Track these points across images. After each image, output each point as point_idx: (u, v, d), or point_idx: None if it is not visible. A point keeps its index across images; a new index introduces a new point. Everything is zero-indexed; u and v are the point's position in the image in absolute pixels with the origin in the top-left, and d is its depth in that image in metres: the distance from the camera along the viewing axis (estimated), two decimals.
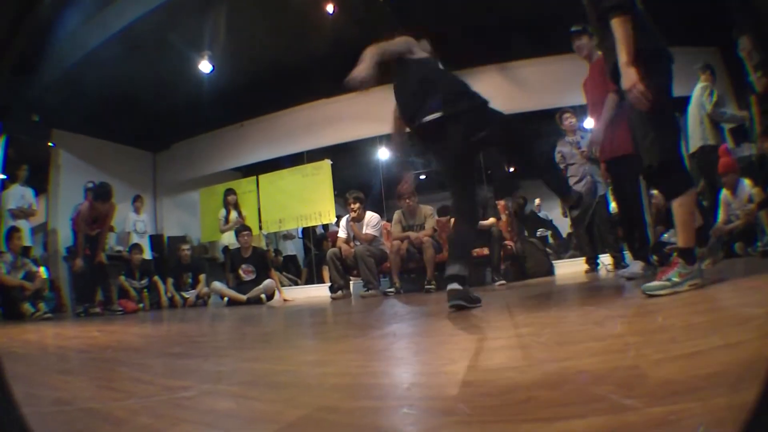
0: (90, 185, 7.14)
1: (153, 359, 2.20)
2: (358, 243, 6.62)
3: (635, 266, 4.01)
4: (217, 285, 7.27)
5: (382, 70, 3.20)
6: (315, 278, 9.74)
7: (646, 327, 1.74)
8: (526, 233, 9.08)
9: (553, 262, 7.48)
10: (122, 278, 7.65)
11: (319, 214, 8.91)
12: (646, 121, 2.65)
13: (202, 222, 9.94)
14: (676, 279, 2.46)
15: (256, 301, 6.96)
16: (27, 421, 0.58)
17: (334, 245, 7.08)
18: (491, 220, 6.09)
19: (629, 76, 2.52)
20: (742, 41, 5.51)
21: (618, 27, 2.58)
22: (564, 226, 9.66)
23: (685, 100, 8.16)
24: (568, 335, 1.68)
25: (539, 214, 11.04)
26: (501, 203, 7.01)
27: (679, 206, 2.61)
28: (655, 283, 2.49)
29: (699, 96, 5.84)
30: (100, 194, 6.72)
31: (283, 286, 8.16)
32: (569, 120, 5.76)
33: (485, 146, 3.47)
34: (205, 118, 9.41)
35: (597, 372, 1.07)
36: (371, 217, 6.71)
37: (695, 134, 5.86)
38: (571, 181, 5.60)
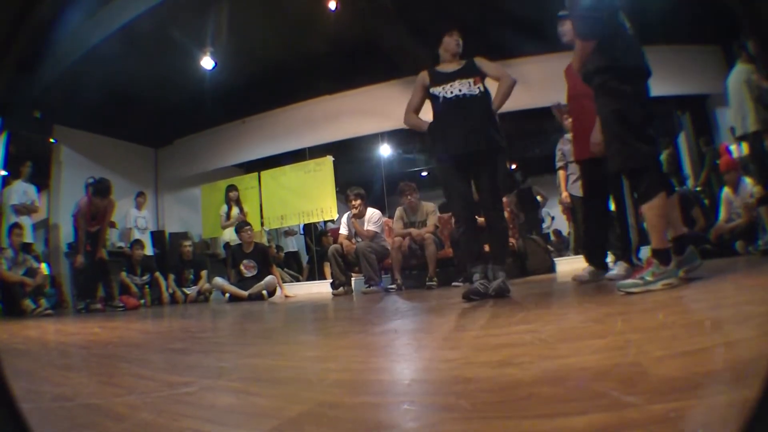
0: (91, 181, 7.15)
1: (154, 355, 2.20)
2: (359, 239, 6.62)
3: (619, 268, 4.00)
4: (218, 281, 7.27)
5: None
6: (316, 274, 9.74)
7: (647, 324, 1.74)
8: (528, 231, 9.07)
9: (555, 259, 7.47)
10: (124, 274, 7.65)
11: (321, 210, 8.90)
12: (614, 130, 2.82)
13: (204, 218, 9.93)
14: (649, 278, 2.56)
15: (258, 297, 6.96)
16: (27, 419, 0.58)
17: (335, 242, 7.08)
18: None
19: None
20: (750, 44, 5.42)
21: (577, 48, 2.98)
22: (565, 224, 9.65)
23: (680, 98, 8.18)
24: (569, 332, 1.68)
25: (542, 211, 11.05)
26: (503, 200, 7.00)
27: (648, 210, 2.72)
28: (629, 281, 2.60)
29: (747, 78, 5.63)
30: (99, 190, 6.71)
31: (284, 282, 8.16)
32: (569, 119, 5.74)
33: None
34: (207, 115, 9.40)
35: (598, 369, 1.07)
36: (373, 213, 6.71)
37: (748, 116, 5.64)
38: (571, 179, 5.59)
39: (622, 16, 3.00)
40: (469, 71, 3.71)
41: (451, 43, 3.79)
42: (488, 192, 3.62)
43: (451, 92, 3.65)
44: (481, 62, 3.77)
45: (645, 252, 4.54)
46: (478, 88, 3.64)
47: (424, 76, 3.81)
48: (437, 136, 3.65)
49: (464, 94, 3.63)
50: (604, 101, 2.90)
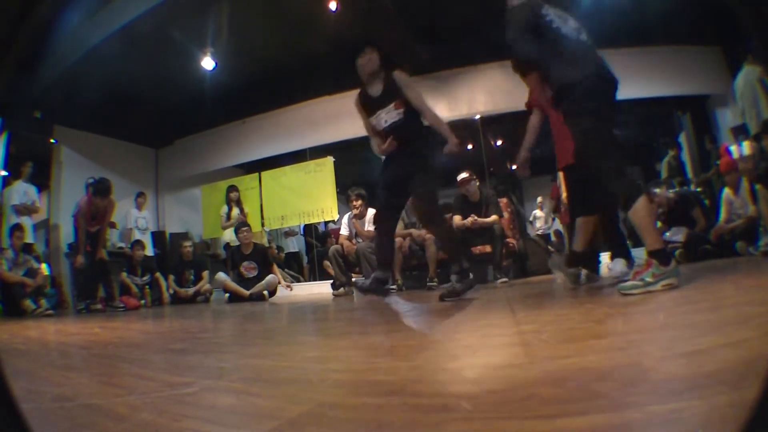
0: (91, 181, 7.16)
1: (154, 355, 2.20)
2: (360, 240, 6.62)
3: (617, 264, 3.94)
4: (221, 276, 7.24)
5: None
6: (317, 275, 9.74)
7: (647, 325, 1.74)
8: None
9: None
10: (124, 275, 7.65)
11: (322, 210, 8.91)
12: (588, 151, 2.86)
13: (204, 219, 9.94)
14: (649, 279, 2.53)
15: (259, 297, 6.96)
16: (27, 419, 0.58)
17: (336, 242, 7.09)
18: (493, 217, 6.08)
19: None
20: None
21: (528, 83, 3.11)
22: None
23: (680, 98, 8.16)
24: (569, 332, 1.68)
25: (542, 212, 11.07)
26: (503, 201, 7.01)
27: (635, 214, 2.69)
28: (629, 283, 2.57)
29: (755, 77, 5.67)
30: (99, 190, 6.72)
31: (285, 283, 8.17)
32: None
33: None
34: (207, 115, 9.41)
35: (599, 369, 1.07)
36: (373, 214, 6.70)
37: (764, 114, 5.67)
38: None
39: (566, 26, 2.95)
40: (389, 95, 3.83)
41: (363, 65, 3.89)
42: (427, 203, 3.81)
43: (380, 125, 3.89)
44: (401, 81, 3.84)
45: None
46: (399, 113, 3.79)
47: (357, 99, 4.04)
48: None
49: (390, 126, 3.84)
50: (573, 122, 2.90)
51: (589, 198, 3.13)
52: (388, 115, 3.84)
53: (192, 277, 8.03)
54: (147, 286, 7.85)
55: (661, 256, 2.59)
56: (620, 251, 4.08)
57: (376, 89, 3.90)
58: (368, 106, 3.95)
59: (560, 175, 5.77)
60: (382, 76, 3.87)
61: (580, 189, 3.86)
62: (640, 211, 2.67)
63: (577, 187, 3.97)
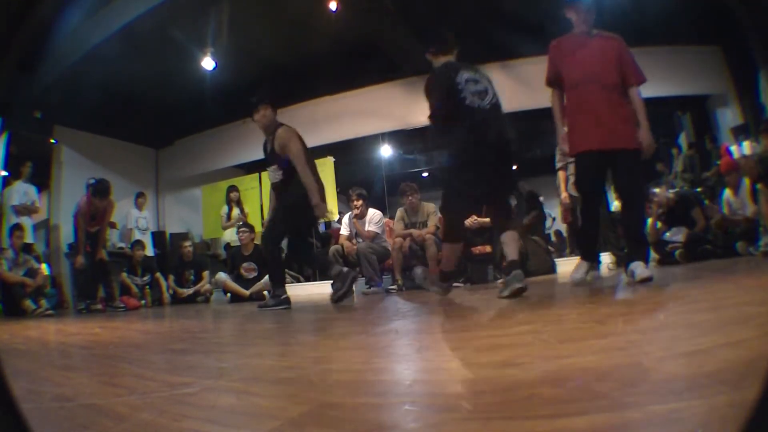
0: (92, 182, 7.15)
1: (155, 355, 2.20)
2: (360, 240, 6.62)
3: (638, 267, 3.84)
4: (222, 276, 7.22)
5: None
6: (317, 275, 9.72)
7: (647, 325, 1.74)
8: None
9: (555, 260, 7.46)
10: (124, 275, 7.63)
11: None
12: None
13: (205, 219, 9.95)
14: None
15: (259, 297, 6.95)
16: (27, 419, 0.58)
17: (336, 242, 7.08)
18: None
19: None
20: None
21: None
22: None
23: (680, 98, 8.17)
24: (569, 332, 1.68)
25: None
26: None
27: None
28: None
29: None
30: (99, 191, 6.70)
31: (285, 283, 8.16)
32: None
33: None
34: (207, 115, 9.40)
35: (599, 369, 1.06)
36: (374, 214, 6.70)
37: None
38: (571, 179, 5.56)
39: (470, 93, 3.36)
40: (273, 155, 4.33)
41: (257, 121, 4.44)
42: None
43: (270, 179, 4.50)
44: (282, 139, 4.25)
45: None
46: (278, 174, 4.33)
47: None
48: None
49: (274, 184, 4.46)
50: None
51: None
52: (272, 175, 4.39)
53: (192, 277, 8.01)
54: (147, 286, 7.83)
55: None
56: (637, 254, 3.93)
57: (268, 145, 4.39)
58: (265, 159, 4.55)
59: (560, 174, 5.77)
60: (273, 131, 4.32)
61: (593, 177, 3.81)
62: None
63: (590, 173, 3.88)
